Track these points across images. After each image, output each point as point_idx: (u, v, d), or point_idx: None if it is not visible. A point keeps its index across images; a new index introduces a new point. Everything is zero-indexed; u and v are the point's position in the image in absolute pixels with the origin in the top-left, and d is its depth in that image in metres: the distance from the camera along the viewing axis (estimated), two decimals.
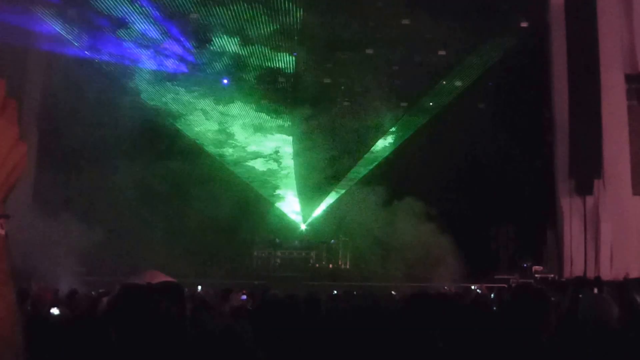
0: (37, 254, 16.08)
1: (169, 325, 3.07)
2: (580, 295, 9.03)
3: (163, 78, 23.93)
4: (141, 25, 22.38)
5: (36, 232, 16.86)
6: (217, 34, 22.72)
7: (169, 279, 3.51)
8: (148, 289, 3.27)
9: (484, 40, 21.78)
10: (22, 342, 1.31)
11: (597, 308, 4.58)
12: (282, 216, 25.89)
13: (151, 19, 22.14)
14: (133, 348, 2.93)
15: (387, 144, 24.57)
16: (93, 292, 12.27)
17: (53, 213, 18.25)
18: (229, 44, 23.07)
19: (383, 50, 23.02)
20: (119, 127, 21.23)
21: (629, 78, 21.26)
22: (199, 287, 15.84)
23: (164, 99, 24.35)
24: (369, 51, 22.90)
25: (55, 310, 7.73)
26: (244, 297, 12.42)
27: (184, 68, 23.84)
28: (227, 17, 21.97)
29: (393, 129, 24.64)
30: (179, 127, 24.63)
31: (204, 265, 22.35)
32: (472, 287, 17.44)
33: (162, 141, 23.18)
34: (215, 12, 21.83)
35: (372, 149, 25.00)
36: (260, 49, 23.19)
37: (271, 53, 23.28)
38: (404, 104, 24.22)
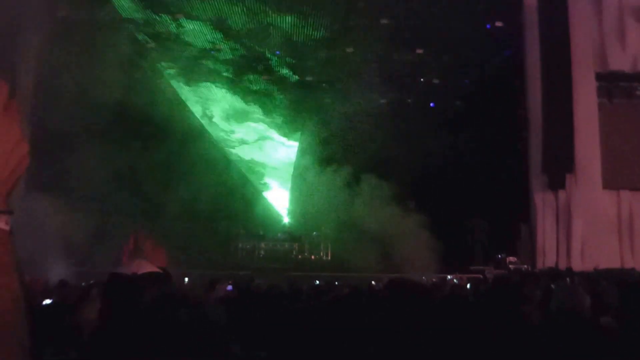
0: (26, 243, 16.30)
1: (155, 315, 3.10)
2: (553, 286, 9.57)
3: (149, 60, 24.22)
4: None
5: (25, 221, 17.12)
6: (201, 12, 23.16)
7: (155, 269, 3.62)
8: (135, 279, 3.38)
9: (460, 39, 22.24)
10: (27, 331, 1.37)
11: (570, 298, 4.60)
12: (266, 208, 26.21)
13: None
14: (121, 336, 2.96)
15: (367, 139, 24.90)
16: (83, 283, 12.16)
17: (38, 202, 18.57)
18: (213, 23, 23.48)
19: (363, 48, 23.49)
20: (101, 111, 21.46)
21: (599, 76, 21.93)
22: (186, 279, 16.21)
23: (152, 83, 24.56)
24: (349, 49, 23.38)
25: (47, 301, 7.67)
26: (230, 287, 12.74)
27: (168, 48, 24.16)
28: None
29: (371, 125, 24.99)
30: (169, 112, 24.70)
31: (189, 255, 22.61)
32: (449, 277, 18.02)
33: (150, 128, 23.05)
34: None
35: (351, 142, 25.37)
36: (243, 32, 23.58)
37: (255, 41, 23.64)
38: (383, 100, 24.71)
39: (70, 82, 20.87)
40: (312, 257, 24.74)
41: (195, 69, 24.66)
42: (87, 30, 22.33)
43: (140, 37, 23.77)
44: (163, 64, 24.48)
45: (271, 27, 23.55)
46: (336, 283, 14.73)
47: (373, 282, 15.07)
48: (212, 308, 6.25)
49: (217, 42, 23.98)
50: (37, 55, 21.99)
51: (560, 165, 21.42)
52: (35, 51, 21.90)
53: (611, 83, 22.08)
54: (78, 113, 20.57)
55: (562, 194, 21.48)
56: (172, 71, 24.68)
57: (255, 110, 25.77)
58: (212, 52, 24.24)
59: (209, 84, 25.08)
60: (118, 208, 21.39)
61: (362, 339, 3.53)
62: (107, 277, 3.56)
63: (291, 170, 26.38)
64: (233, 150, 26.33)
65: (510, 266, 20.95)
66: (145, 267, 3.69)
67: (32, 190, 19.37)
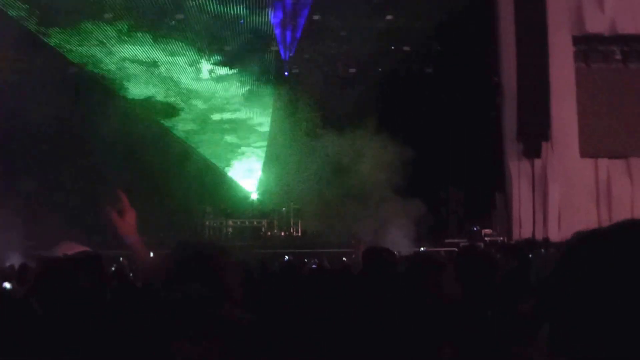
0: None
1: (88, 297, 3.14)
2: (531, 256, 9.17)
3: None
4: None
5: None
6: None
7: (84, 248, 3.62)
8: (65, 262, 3.36)
9: (431, 3, 21.66)
10: None
11: (548, 266, 4.59)
12: (232, 185, 25.72)
13: None
14: (59, 322, 2.94)
15: (333, 109, 24.14)
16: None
17: None
18: None
19: (330, 16, 22.82)
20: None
21: (576, 40, 21.51)
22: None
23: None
24: (316, 17, 22.68)
25: (7, 285, 7.82)
26: None
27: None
28: None
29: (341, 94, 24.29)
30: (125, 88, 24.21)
31: (156, 234, 22.16)
32: (422, 249, 17.56)
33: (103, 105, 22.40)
34: None
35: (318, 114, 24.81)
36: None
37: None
38: (352, 70, 24.09)
39: None
40: (282, 233, 24.31)
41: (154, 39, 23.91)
42: None
43: None
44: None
45: None
46: (305, 260, 14.45)
47: (344, 259, 14.72)
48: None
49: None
50: None
51: (536, 133, 21.16)
52: None
53: (589, 47, 21.64)
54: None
55: (538, 163, 21.21)
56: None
57: (220, 82, 25.07)
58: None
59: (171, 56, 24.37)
60: (74, 184, 21.04)
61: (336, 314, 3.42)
62: (38, 261, 3.76)
63: (259, 145, 25.83)
64: (199, 127, 25.63)
65: (486, 239, 20.58)
66: (74, 247, 3.63)
67: None
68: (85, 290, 3.17)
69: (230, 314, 2.24)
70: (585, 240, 1.37)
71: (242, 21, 23.48)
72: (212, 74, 24.83)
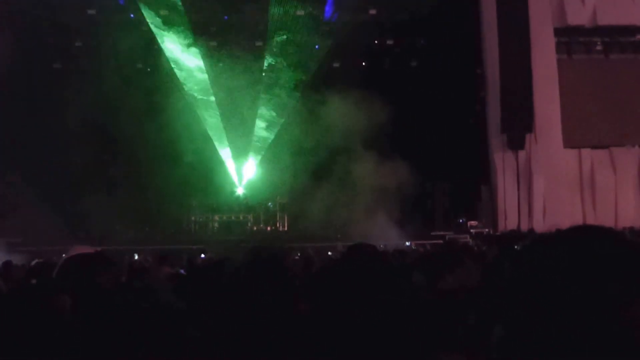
0: None
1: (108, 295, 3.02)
2: (516, 247, 9.22)
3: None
4: None
5: None
6: None
7: (91, 250, 3.49)
8: (87, 259, 3.33)
9: None
10: None
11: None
12: (218, 180, 25.47)
13: None
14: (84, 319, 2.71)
15: (318, 103, 23.97)
16: (32, 263, 11.85)
17: None
18: None
19: (314, 10, 22.72)
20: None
21: (558, 31, 21.53)
22: (136, 256, 15.63)
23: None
24: (300, 12, 22.50)
25: None
26: (203, 256, 12.66)
27: None
28: None
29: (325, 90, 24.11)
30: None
31: (142, 230, 22.15)
32: (407, 243, 17.62)
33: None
34: None
35: (303, 107, 24.61)
36: None
37: None
38: (336, 65, 24.00)
39: None
40: (268, 228, 24.31)
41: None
42: None
43: None
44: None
45: None
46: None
47: (329, 253, 14.77)
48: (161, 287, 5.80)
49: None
50: None
51: (520, 125, 21.08)
52: None
53: (570, 38, 21.72)
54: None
55: (522, 154, 21.21)
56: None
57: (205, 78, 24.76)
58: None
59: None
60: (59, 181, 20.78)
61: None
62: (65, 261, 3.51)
63: (246, 140, 25.64)
64: (186, 121, 25.09)
65: (472, 230, 20.67)
66: (82, 249, 3.56)
67: None
68: (105, 288, 3.21)
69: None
70: (534, 245, 1.45)
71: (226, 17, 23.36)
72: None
